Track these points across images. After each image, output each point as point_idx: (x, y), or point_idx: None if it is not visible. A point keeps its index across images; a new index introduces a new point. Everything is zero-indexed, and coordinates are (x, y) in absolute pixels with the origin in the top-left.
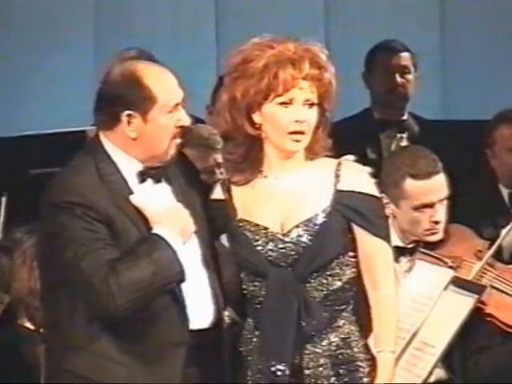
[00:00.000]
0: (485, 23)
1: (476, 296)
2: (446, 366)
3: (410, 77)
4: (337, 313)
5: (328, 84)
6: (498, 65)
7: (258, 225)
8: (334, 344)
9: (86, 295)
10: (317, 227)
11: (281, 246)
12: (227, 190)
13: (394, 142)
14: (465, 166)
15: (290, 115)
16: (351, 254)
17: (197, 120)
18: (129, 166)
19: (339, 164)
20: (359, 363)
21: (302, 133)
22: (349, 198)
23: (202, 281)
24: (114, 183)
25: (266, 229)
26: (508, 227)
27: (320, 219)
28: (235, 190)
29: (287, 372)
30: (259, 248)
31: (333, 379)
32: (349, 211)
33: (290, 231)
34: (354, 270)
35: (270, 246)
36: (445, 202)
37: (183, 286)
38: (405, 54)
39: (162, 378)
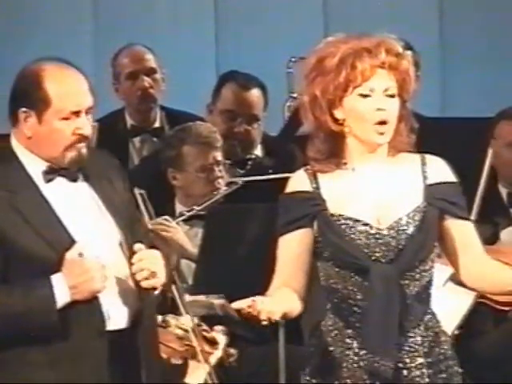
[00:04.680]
0: (484, 21)
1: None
2: None
3: None
4: (425, 308)
5: (405, 72)
6: (496, 63)
7: (356, 220)
8: (426, 341)
9: None
10: (416, 223)
11: (381, 241)
12: (314, 181)
13: None
14: (464, 163)
15: (371, 104)
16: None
17: (196, 118)
18: (33, 165)
19: (423, 160)
20: (450, 362)
21: (385, 123)
22: (439, 190)
23: (120, 280)
24: (17, 180)
25: (365, 224)
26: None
27: (417, 215)
28: (321, 181)
29: (392, 366)
30: (359, 242)
31: (427, 380)
32: (442, 202)
33: (389, 227)
34: (433, 264)
35: (371, 241)
36: None
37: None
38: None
39: (86, 373)
